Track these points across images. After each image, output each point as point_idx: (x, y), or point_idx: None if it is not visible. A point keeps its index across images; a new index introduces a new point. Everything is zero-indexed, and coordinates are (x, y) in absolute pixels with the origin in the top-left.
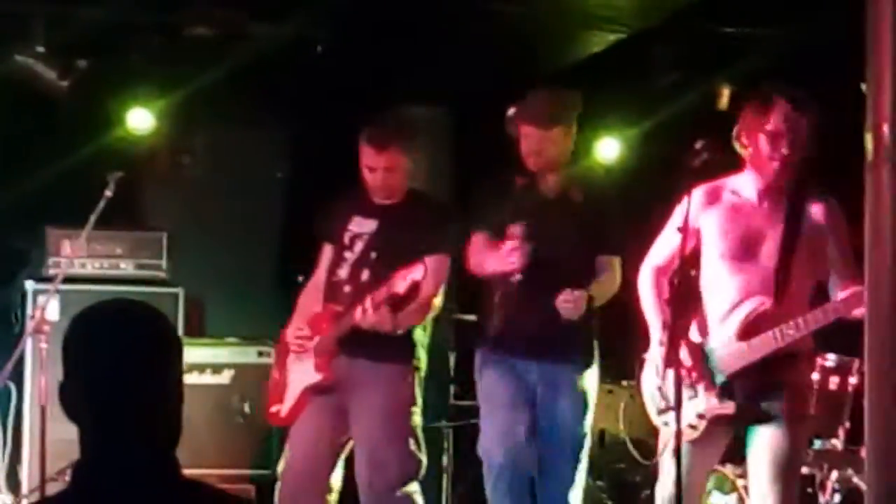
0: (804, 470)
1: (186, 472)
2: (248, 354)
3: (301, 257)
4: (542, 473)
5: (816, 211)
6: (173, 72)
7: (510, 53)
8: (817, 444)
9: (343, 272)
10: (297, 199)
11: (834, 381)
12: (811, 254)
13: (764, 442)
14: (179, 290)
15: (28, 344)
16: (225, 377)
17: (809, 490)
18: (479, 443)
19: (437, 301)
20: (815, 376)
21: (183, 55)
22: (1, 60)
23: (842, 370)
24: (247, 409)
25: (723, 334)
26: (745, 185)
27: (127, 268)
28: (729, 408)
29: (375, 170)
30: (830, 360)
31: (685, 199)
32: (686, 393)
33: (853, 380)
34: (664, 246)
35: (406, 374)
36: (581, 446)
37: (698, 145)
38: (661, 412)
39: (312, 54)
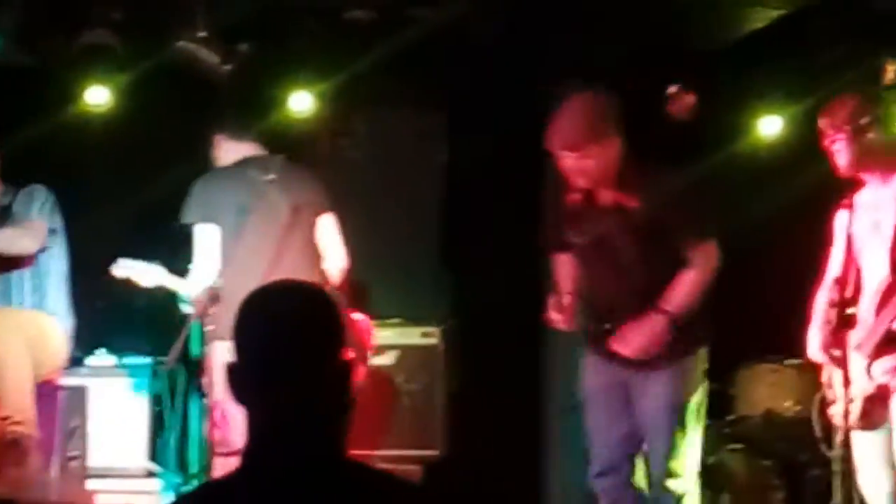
0: None
1: (352, 453)
2: (411, 335)
3: (459, 238)
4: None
5: None
6: (334, 55)
7: (669, 31)
8: None
9: None
10: (457, 182)
11: None
12: None
13: None
14: None
15: (194, 327)
16: (389, 358)
17: None
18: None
19: None
20: None
21: (343, 38)
22: (163, 46)
23: None
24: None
25: (865, 318)
26: None
27: None
28: (871, 388)
29: None
30: None
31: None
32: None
33: None
34: (834, 257)
35: None
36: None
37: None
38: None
39: (472, 36)
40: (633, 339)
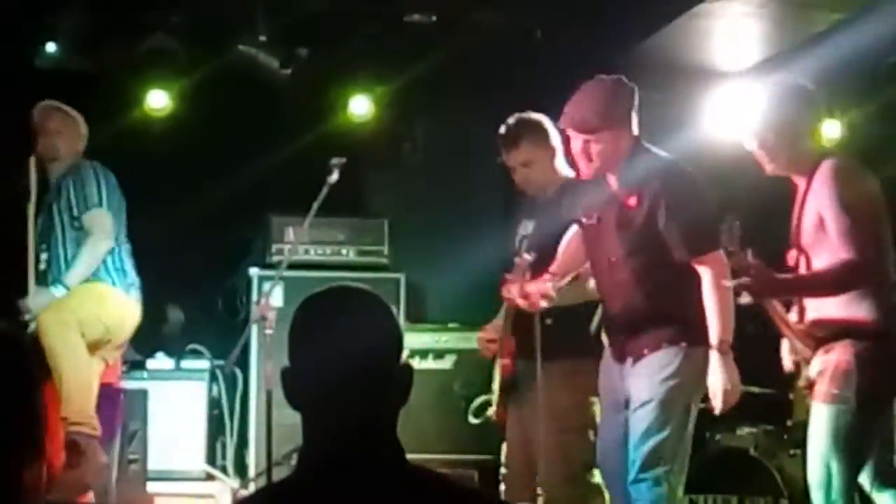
0: None
1: (408, 457)
2: (469, 340)
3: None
4: None
5: None
6: (393, 58)
7: (725, 35)
8: None
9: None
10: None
11: None
12: None
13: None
14: (401, 276)
15: (253, 330)
16: (447, 363)
17: None
18: None
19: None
20: None
21: (403, 42)
22: (224, 50)
23: None
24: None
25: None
26: None
27: (349, 254)
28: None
29: (514, 168)
30: None
31: None
32: None
33: None
34: None
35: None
36: None
37: None
38: None
39: (532, 39)
40: None
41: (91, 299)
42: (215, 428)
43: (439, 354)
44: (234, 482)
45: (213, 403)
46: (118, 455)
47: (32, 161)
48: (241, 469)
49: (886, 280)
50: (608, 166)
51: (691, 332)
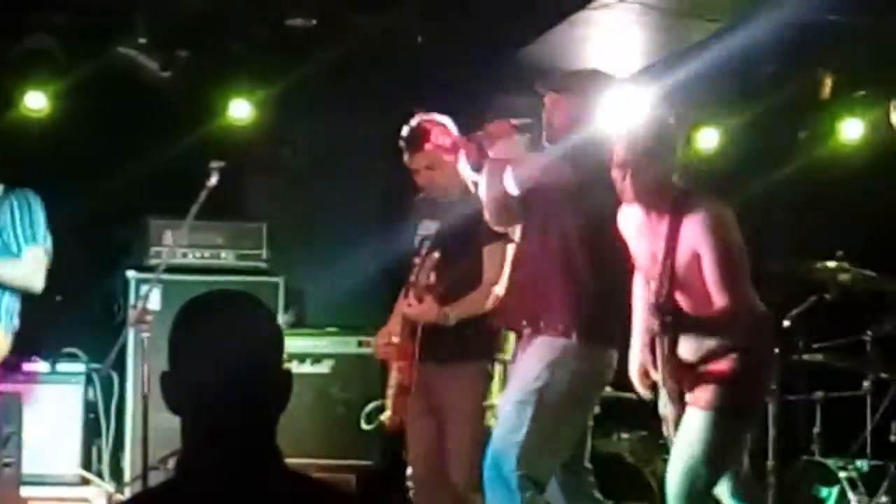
0: None
1: (286, 461)
2: (348, 344)
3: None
4: None
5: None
6: (273, 62)
7: (605, 43)
8: None
9: (414, 276)
10: (398, 189)
11: None
12: None
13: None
14: (280, 280)
15: (130, 333)
16: (325, 367)
17: None
18: None
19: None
20: None
21: (283, 45)
22: (103, 52)
23: None
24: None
25: None
26: None
27: (228, 258)
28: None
29: (417, 171)
30: None
31: None
32: None
33: None
34: None
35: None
36: None
37: None
38: None
39: (412, 44)
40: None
41: None
42: (91, 432)
43: (318, 359)
44: (110, 486)
45: (89, 407)
46: None
47: None
48: (116, 473)
49: (751, 302)
50: (560, 137)
51: (579, 334)
